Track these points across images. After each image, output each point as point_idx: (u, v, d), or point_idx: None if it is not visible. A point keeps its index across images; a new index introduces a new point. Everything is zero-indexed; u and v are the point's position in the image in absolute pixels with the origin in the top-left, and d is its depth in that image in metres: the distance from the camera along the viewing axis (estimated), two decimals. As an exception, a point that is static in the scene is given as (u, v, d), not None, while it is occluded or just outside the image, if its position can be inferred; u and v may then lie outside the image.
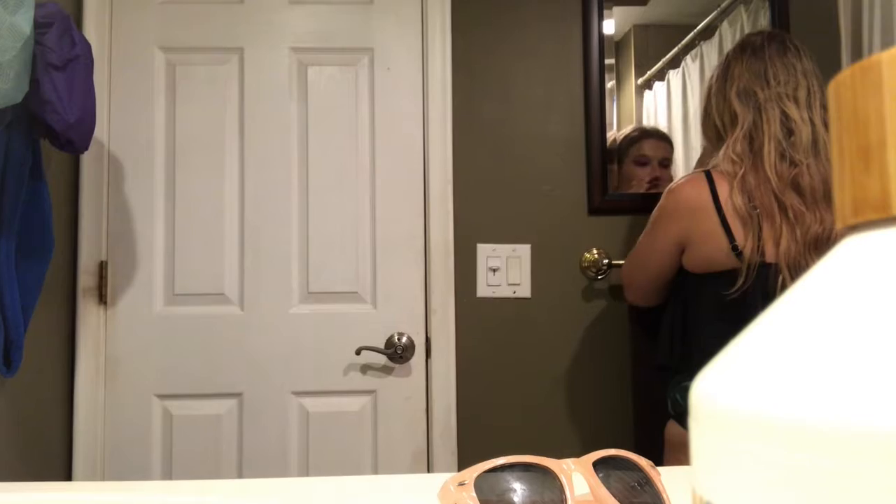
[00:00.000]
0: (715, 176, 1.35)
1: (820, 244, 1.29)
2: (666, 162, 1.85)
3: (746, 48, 1.38)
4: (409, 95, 1.86)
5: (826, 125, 1.33)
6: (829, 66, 1.67)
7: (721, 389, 0.17)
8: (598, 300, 1.85)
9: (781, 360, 0.16)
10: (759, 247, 1.28)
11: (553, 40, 1.87)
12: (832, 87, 0.18)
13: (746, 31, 1.86)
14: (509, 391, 1.83)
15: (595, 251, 1.85)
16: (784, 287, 1.27)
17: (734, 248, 1.30)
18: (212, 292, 1.82)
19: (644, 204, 1.80)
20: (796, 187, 1.29)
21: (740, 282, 1.29)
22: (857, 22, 1.71)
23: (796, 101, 1.32)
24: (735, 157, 1.33)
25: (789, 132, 1.30)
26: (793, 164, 1.29)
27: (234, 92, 1.85)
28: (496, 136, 1.85)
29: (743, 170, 1.32)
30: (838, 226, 0.18)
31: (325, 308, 1.82)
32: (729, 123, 1.38)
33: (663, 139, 1.86)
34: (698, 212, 1.34)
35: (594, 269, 1.84)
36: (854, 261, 0.17)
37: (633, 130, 1.87)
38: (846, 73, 0.17)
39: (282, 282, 1.82)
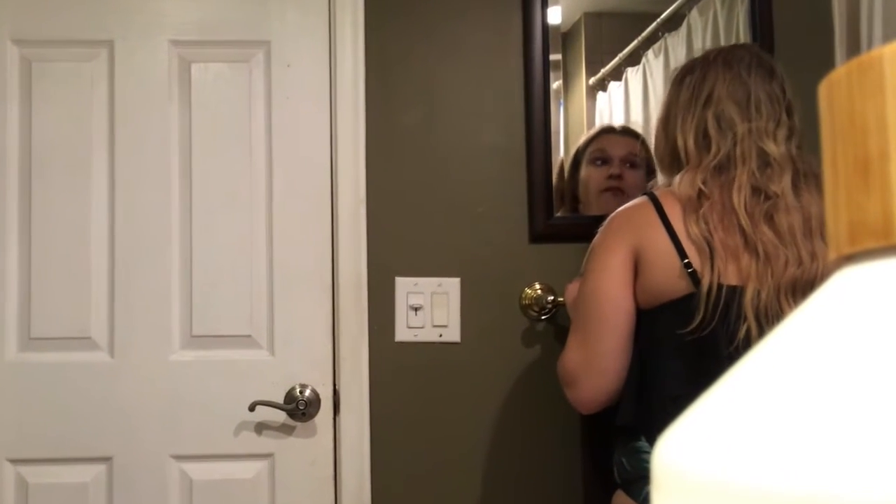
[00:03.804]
0: (662, 197, 1.26)
1: (798, 288, 1.19)
2: (632, 159, 1.66)
3: (732, 65, 1.29)
4: (313, 98, 1.67)
5: (807, 162, 1.25)
6: (820, 64, 1.52)
7: (690, 456, 0.16)
8: (540, 344, 1.67)
9: (759, 421, 0.15)
10: (717, 275, 1.18)
11: (487, 32, 1.69)
12: (824, 88, 0.18)
13: (721, 20, 1.68)
14: (434, 454, 1.65)
15: (538, 286, 1.66)
16: (749, 339, 1.16)
17: (687, 266, 1.20)
18: (75, 336, 1.63)
19: (598, 228, 1.59)
20: (770, 223, 1.20)
21: (698, 316, 1.17)
22: (854, 10, 1.59)
23: (775, 138, 1.24)
24: (700, 185, 1.22)
25: (766, 165, 1.23)
26: (767, 197, 1.20)
27: (103, 93, 1.65)
28: (418, 148, 1.67)
29: (707, 200, 1.21)
30: (832, 255, 0.17)
31: (212, 354, 1.64)
32: (696, 146, 1.27)
33: (629, 134, 1.69)
34: (645, 227, 1.25)
35: (536, 308, 1.65)
36: (849, 299, 0.16)
37: (596, 129, 1.72)
38: (841, 72, 0.17)
39: (160, 323, 1.64)
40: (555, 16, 1.68)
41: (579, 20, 1.70)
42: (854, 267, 0.16)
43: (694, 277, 1.20)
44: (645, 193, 1.29)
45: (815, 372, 0.14)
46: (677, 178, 1.26)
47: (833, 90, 0.17)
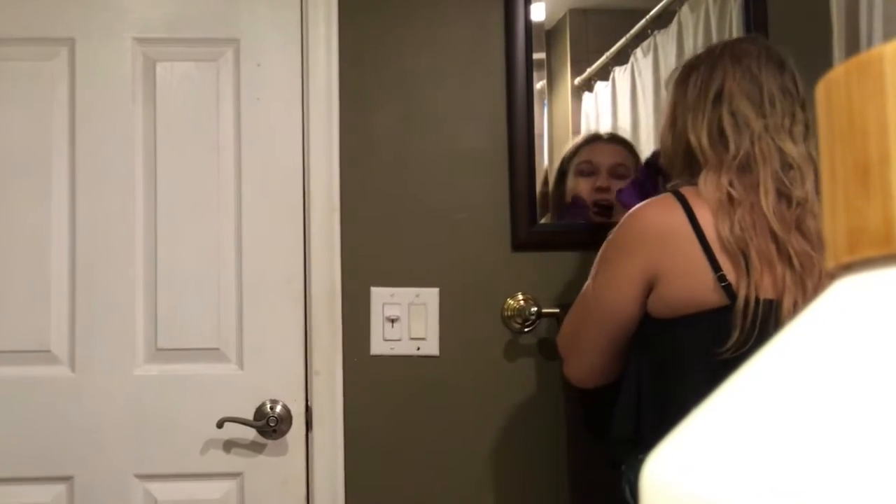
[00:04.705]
0: (690, 197, 1.20)
1: None
2: (622, 171, 1.62)
3: (741, 60, 1.25)
4: (284, 99, 1.62)
5: None
6: (817, 63, 1.50)
7: (679, 472, 0.16)
8: (524, 358, 1.63)
9: (750, 438, 0.14)
10: (754, 288, 1.15)
11: (467, 29, 1.65)
12: (821, 89, 0.17)
13: (713, 17, 1.65)
14: (412, 473, 1.62)
15: (520, 297, 1.61)
16: None
17: (720, 279, 1.16)
18: (34, 349, 1.59)
19: (585, 236, 1.58)
20: (800, 229, 1.18)
21: (735, 333, 1.14)
22: (853, 7, 1.59)
23: (792, 136, 1.21)
24: (729, 188, 1.18)
25: (787, 166, 1.19)
26: (796, 204, 1.18)
27: (63, 94, 1.61)
28: (395, 152, 1.63)
29: (740, 205, 1.17)
30: (829, 264, 0.17)
31: (179, 369, 1.60)
32: (712, 145, 1.22)
33: (618, 142, 1.67)
34: (671, 237, 1.20)
35: (519, 320, 1.61)
36: (848, 310, 0.16)
37: (583, 138, 1.68)
38: (839, 71, 0.17)
39: (123, 335, 1.60)
40: (538, 12, 1.66)
41: (564, 17, 1.68)
42: (853, 276, 0.16)
43: (728, 290, 1.17)
44: (670, 191, 1.23)
45: (809, 388, 0.14)
46: (700, 178, 1.20)
47: (831, 91, 0.17)
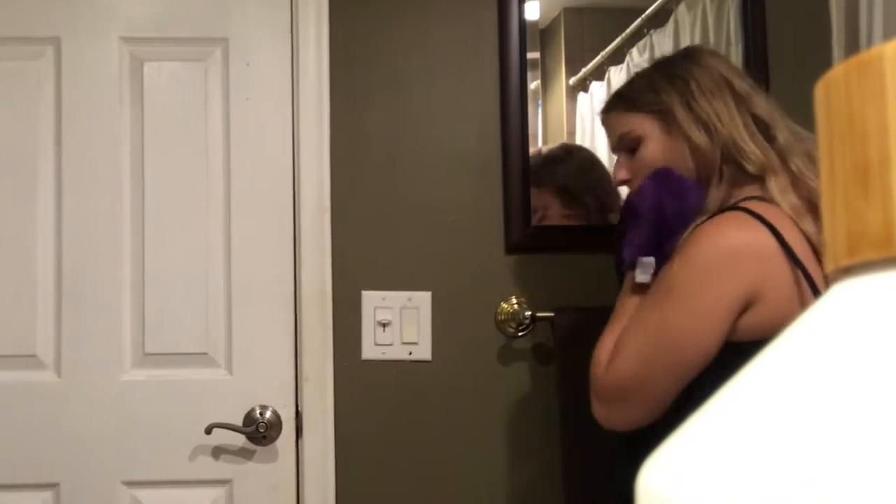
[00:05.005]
0: (761, 211, 1.05)
1: None
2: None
3: (700, 61, 1.16)
4: (274, 99, 1.60)
5: None
6: (816, 63, 1.54)
7: (675, 481, 0.15)
8: (518, 363, 1.61)
9: (747, 447, 0.14)
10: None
11: (461, 28, 1.64)
12: (820, 89, 0.17)
13: (710, 16, 1.62)
14: (403, 480, 1.59)
15: (515, 300, 1.59)
16: None
17: (815, 292, 1.03)
18: (20, 353, 1.57)
19: (581, 237, 1.57)
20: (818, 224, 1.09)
21: None
22: (853, 5, 1.57)
23: (811, 158, 1.09)
24: (793, 191, 1.07)
25: (810, 160, 1.09)
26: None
27: (49, 94, 1.59)
28: (387, 152, 1.61)
29: (810, 202, 1.06)
30: (828, 268, 0.17)
31: (166, 374, 1.58)
32: (756, 142, 1.10)
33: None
34: (766, 254, 1.04)
35: (514, 324, 1.58)
36: (847, 315, 0.15)
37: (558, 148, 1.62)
38: (838, 71, 0.17)
39: (110, 340, 1.57)
40: (532, 11, 1.65)
41: (559, 16, 1.67)
42: (852, 280, 0.16)
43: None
44: (738, 208, 1.07)
45: (808, 395, 0.14)
46: (771, 184, 1.07)
47: (830, 91, 0.17)
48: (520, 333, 1.58)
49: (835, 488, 0.13)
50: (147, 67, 1.59)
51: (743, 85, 1.14)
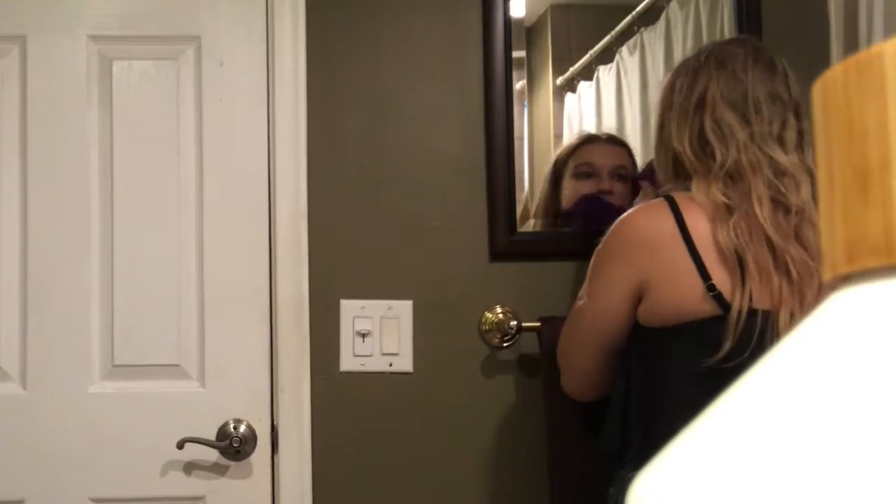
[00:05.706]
0: (682, 203, 1.19)
1: None
2: (622, 172, 1.60)
3: (725, 64, 1.24)
4: (248, 99, 1.59)
5: None
6: (814, 62, 1.49)
7: (669, 495, 0.15)
8: (503, 375, 1.59)
9: (742, 461, 0.14)
10: (748, 298, 1.15)
11: (443, 26, 1.62)
12: (818, 89, 0.17)
13: (703, 14, 1.61)
14: (383, 497, 1.58)
15: (499, 310, 1.57)
16: None
17: (710, 288, 1.15)
18: None
19: (567, 245, 1.56)
20: (798, 239, 1.18)
21: (727, 344, 1.14)
22: (852, 2, 1.57)
23: (782, 143, 1.20)
24: (721, 197, 1.18)
25: (781, 173, 1.19)
26: (794, 212, 1.17)
27: (14, 94, 1.57)
28: (366, 156, 1.60)
29: (735, 211, 1.17)
30: (826, 276, 0.17)
31: (136, 386, 1.57)
32: (696, 155, 1.22)
33: (617, 143, 1.65)
34: (659, 244, 1.20)
35: (498, 334, 1.56)
36: (846, 324, 0.15)
37: (578, 139, 1.65)
38: (837, 71, 0.16)
39: (78, 351, 1.56)
40: (518, 8, 1.64)
41: (545, 13, 1.66)
42: (852, 288, 0.16)
43: (720, 300, 1.17)
44: (662, 195, 1.23)
45: (805, 407, 0.14)
46: (693, 185, 1.20)
47: (828, 91, 0.16)
48: (505, 344, 1.56)
49: (836, 500, 0.13)
50: (116, 67, 1.58)
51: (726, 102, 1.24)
